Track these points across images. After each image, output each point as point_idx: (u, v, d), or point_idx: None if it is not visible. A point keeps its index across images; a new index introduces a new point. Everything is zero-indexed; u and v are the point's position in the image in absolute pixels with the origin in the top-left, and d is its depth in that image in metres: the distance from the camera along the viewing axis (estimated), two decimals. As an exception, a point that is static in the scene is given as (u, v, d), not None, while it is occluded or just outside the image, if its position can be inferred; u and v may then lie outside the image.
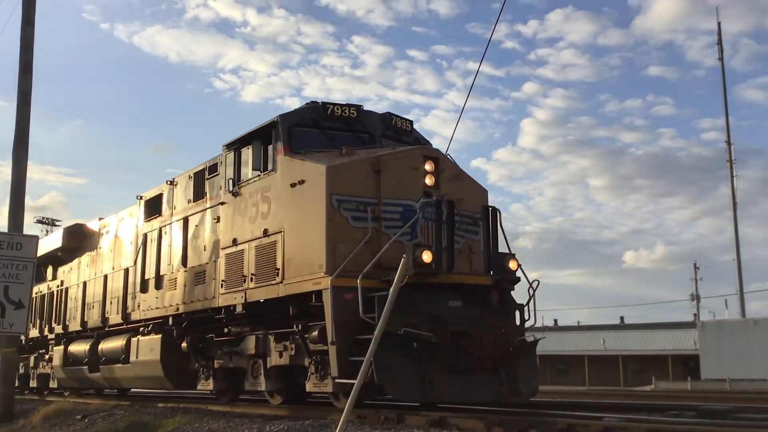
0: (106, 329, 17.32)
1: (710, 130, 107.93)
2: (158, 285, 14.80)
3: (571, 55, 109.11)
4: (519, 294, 10.92)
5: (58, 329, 20.19)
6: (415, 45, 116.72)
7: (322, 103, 11.85)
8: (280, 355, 11.30)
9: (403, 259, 9.01)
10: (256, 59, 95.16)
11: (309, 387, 10.57)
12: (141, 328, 15.48)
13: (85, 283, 18.85)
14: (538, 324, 11.12)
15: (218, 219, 13.24)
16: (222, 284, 12.45)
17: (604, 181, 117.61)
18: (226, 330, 12.97)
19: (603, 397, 18.35)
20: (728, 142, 50.89)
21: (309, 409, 11.00)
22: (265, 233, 11.43)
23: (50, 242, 22.49)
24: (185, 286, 13.74)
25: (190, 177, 14.77)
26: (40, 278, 23.18)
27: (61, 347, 19.47)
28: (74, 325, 19.15)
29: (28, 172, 15.74)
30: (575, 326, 72.44)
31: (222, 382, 13.25)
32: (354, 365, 9.62)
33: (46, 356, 21.44)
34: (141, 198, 16.89)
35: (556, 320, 75.92)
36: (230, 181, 12.53)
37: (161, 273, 14.84)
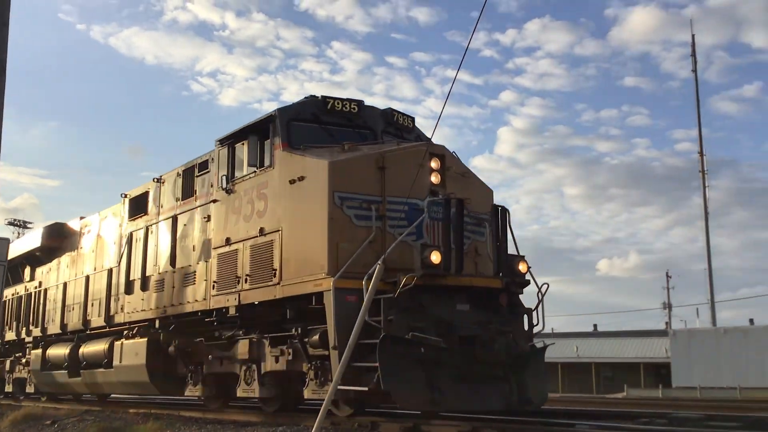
0: (88, 332, 16.66)
1: (684, 140, 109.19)
2: (144, 286, 14.19)
3: (548, 64, 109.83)
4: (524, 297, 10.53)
5: (36, 332, 19.44)
6: (394, 52, 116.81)
7: (322, 97, 11.36)
8: (276, 360, 10.76)
9: (377, 266, 8.83)
10: (234, 63, 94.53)
11: (307, 394, 10.05)
12: (125, 331, 14.84)
13: (65, 284, 18.15)
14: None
15: (209, 218, 12.71)
16: (213, 285, 11.90)
17: (580, 189, 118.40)
18: (216, 333, 12.40)
19: (576, 404, 18.12)
20: (701, 153, 51.62)
21: (294, 416, 10.61)
22: (262, 232, 10.90)
23: (28, 242, 21.76)
24: (173, 287, 13.16)
25: (178, 174, 14.21)
26: (17, 279, 22.47)
27: (39, 351, 18.71)
28: (53, 328, 18.43)
29: (0, 173, 15.07)
30: (549, 333, 72.28)
31: (212, 388, 12.69)
32: (357, 371, 9.16)
33: (23, 360, 20.66)
34: (125, 196, 16.28)
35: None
36: (223, 177, 11.98)
37: (147, 274, 14.24)
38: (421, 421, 9.60)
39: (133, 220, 15.66)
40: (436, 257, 9.16)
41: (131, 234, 15.16)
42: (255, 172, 11.30)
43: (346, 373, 9.14)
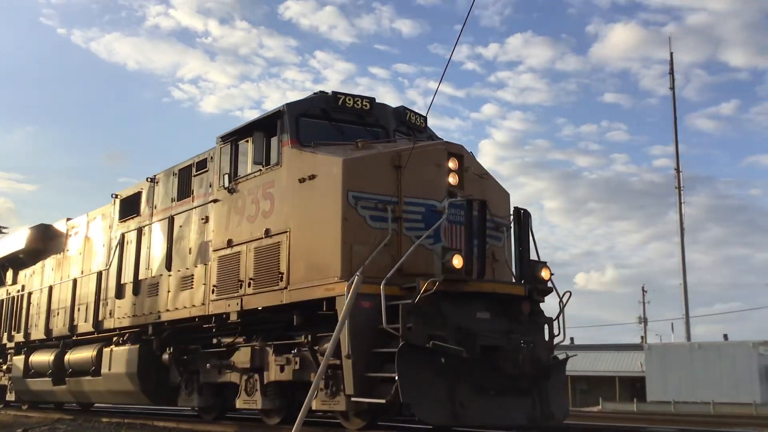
0: (74, 338, 15.92)
1: (661, 156, 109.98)
2: (136, 290, 13.51)
3: (530, 79, 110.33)
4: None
5: (19, 337, 18.63)
6: (377, 62, 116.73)
7: (333, 92, 10.80)
8: (281, 370, 10.14)
9: (356, 278, 8.32)
10: (217, 70, 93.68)
11: (316, 405, 9.43)
12: (115, 338, 14.15)
13: (50, 288, 17.38)
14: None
15: (207, 219, 12.11)
16: (213, 290, 11.27)
17: (559, 203, 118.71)
18: (214, 341, 11.77)
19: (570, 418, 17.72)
20: (677, 170, 51.99)
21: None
22: (267, 233, 10.31)
23: (11, 244, 20.95)
24: (169, 291, 12.50)
25: (174, 174, 13.59)
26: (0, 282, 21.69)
27: (22, 357, 17.93)
28: (37, 333, 17.64)
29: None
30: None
31: (208, 398, 12.04)
32: (371, 382, 8.59)
33: (4, 366, 19.83)
34: (116, 197, 15.62)
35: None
36: (225, 176, 11.37)
37: (140, 277, 13.56)
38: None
39: (124, 221, 15.00)
40: (458, 261, 8.61)
41: (123, 236, 14.49)
42: (260, 170, 10.72)
43: (361, 384, 8.62)
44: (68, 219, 18.33)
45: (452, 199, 9.40)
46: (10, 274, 21.19)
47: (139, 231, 13.90)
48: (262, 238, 10.40)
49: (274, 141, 10.66)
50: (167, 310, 12.41)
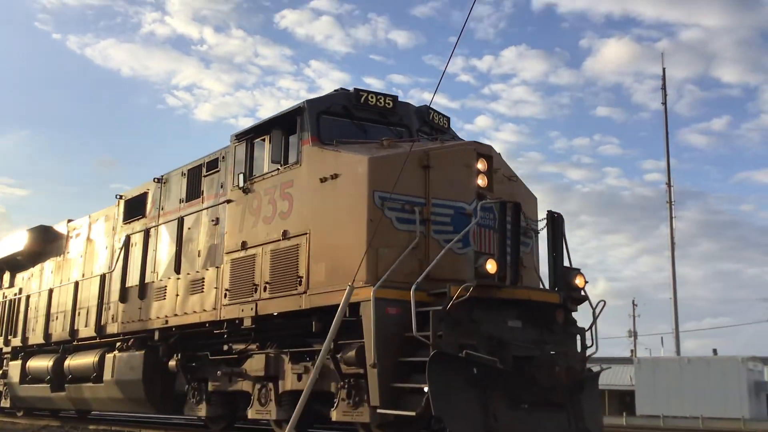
0: (74, 343, 15.37)
1: (653, 171, 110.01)
2: (142, 294, 13.00)
3: (523, 91, 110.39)
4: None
5: (16, 342, 18.04)
6: (372, 72, 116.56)
7: (355, 89, 10.37)
8: (299, 378, 9.65)
9: (348, 288, 8.18)
10: (211, 78, 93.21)
11: (336, 416, 8.95)
12: (118, 343, 13.62)
13: (50, 291, 16.82)
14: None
15: (217, 220, 11.67)
16: (225, 294, 10.79)
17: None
18: (225, 347, 11.28)
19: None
20: (668, 184, 52.11)
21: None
22: (285, 235, 9.84)
23: (9, 246, 20.35)
24: (177, 295, 12.00)
25: (183, 174, 13.13)
26: (-5, 285, 21.12)
27: (19, 362, 17.36)
28: (35, 338, 17.08)
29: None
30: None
31: (217, 407, 11.50)
32: (398, 393, 8.12)
33: (0, 372, 19.25)
34: (121, 198, 15.14)
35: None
36: (240, 176, 10.89)
37: (146, 280, 13.06)
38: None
39: (129, 223, 14.52)
40: (491, 266, 8.16)
41: (128, 238, 13.98)
42: (278, 169, 10.26)
43: (387, 395, 8.14)
44: (69, 220, 17.82)
45: (483, 201, 8.94)
46: (7, 276, 20.65)
47: (146, 233, 13.41)
48: (279, 240, 9.94)
49: (292, 139, 10.22)
50: (175, 315, 11.91)
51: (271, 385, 10.16)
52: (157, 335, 12.41)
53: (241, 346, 10.92)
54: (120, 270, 13.88)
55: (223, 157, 12.06)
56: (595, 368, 9.19)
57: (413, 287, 7.99)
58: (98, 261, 15.48)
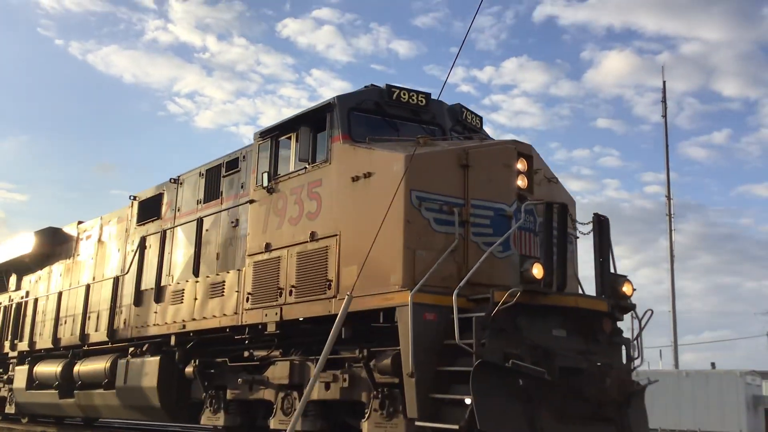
0: (85, 348, 14.89)
1: (653, 183, 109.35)
2: (158, 297, 12.53)
3: (524, 102, 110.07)
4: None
5: (23, 346, 17.54)
6: (373, 81, 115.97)
7: (387, 86, 9.92)
8: (327, 387, 9.17)
9: (346, 297, 7.93)
10: (213, 85, 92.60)
11: (368, 427, 8.45)
12: (131, 348, 13.14)
13: (59, 294, 16.34)
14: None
15: (236, 222, 11.25)
16: (248, 298, 10.32)
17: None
18: (246, 353, 10.80)
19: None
20: (668, 197, 51.85)
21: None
22: (313, 237, 9.39)
23: (16, 248, 19.88)
24: (195, 299, 11.53)
25: (201, 174, 12.71)
26: (1, 288, 20.64)
27: (26, 367, 16.85)
28: (43, 342, 16.59)
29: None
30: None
31: (236, 416, 11.00)
32: (437, 404, 7.64)
33: (4, 377, 18.72)
34: (135, 199, 14.71)
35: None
36: (264, 175, 10.44)
37: (162, 284, 12.59)
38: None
39: (143, 224, 14.09)
40: (537, 271, 7.68)
41: (143, 239, 13.52)
42: (305, 168, 9.81)
43: (425, 407, 7.66)
44: (79, 222, 17.38)
45: (526, 203, 8.48)
46: (13, 279, 20.16)
47: (162, 234, 12.94)
48: (306, 242, 9.48)
49: (321, 136, 9.77)
50: (193, 319, 11.44)
51: (296, 393, 9.68)
52: (173, 340, 11.93)
53: (262, 353, 10.45)
54: (134, 273, 13.43)
55: (244, 157, 11.65)
56: (642, 381, 8.68)
57: (455, 292, 7.52)
58: (110, 263, 15.03)
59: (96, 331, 14.51)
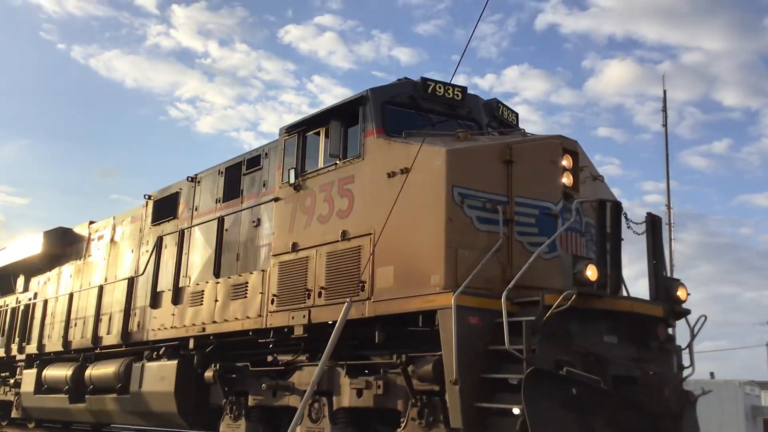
0: (97, 351, 14.42)
1: (653, 192, 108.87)
2: (176, 299, 12.05)
3: (525, 110, 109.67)
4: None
5: (31, 349, 17.05)
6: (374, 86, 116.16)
7: (422, 78, 9.47)
8: (359, 394, 8.70)
9: (346, 304, 7.98)
10: (214, 91, 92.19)
11: (406, 438, 7.99)
12: (146, 352, 12.67)
13: (70, 296, 15.84)
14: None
15: (258, 221, 10.83)
16: (272, 300, 9.86)
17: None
18: (270, 358, 10.33)
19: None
20: (668, 206, 51.51)
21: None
22: (345, 236, 8.93)
23: (24, 249, 19.45)
24: (216, 301, 11.05)
25: (220, 173, 12.28)
26: (8, 289, 20.18)
27: (34, 370, 16.35)
28: (52, 345, 16.10)
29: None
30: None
31: (258, 424, 10.53)
32: (482, 414, 7.16)
33: (11, 380, 18.22)
34: (149, 198, 14.26)
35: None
36: (291, 171, 9.99)
37: (180, 285, 12.12)
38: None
39: (158, 224, 13.64)
40: (592, 273, 7.22)
41: (160, 239, 13.06)
42: (336, 164, 9.36)
43: (470, 416, 7.19)
44: (91, 222, 16.93)
45: (579, 200, 8.02)
46: (21, 280, 19.70)
47: (181, 234, 12.47)
48: (337, 241, 9.03)
49: (352, 131, 9.33)
50: (214, 322, 10.97)
51: (324, 400, 9.21)
52: (191, 343, 11.46)
53: (287, 357, 9.99)
54: (150, 273, 12.96)
55: (266, 154, 11.22)
56: (696, 392, 8.21)
57: (505, 294, 7.06)
58: (123, 264, 14.57)
59: (109, 333, 14.04)
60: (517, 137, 8.84)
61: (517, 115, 10.36)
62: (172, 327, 11.95)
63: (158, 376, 11.87)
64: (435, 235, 7.80)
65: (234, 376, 10.83)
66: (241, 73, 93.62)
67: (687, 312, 8.11)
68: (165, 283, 12.53)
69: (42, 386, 15.96)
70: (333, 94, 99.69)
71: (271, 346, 10.09)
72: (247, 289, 10.46)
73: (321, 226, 9.38)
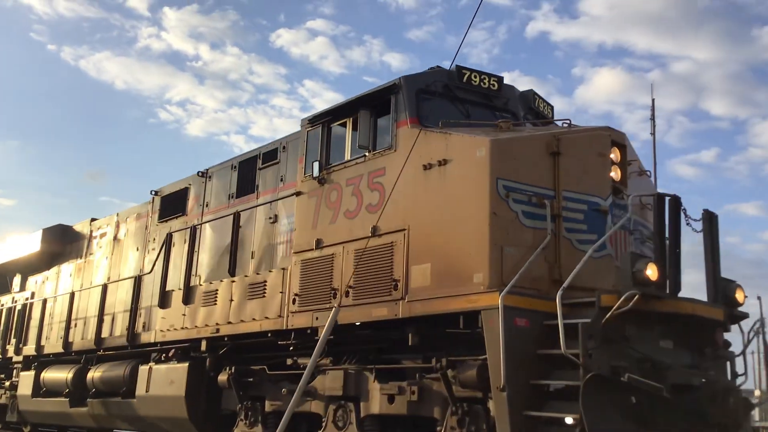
0: (100, 352, 13.81)
1: None
2: (187, 299, 11.46)
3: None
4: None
5: (29, 350, 16.41)
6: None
7: (457, 67, 8.96)
8: (390, 400, 8.14)
9: (333, 309, 7.86)
10: (205, 94, 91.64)
11: (445, 449, 7.44)
12: (154, 354, 12.07)
13: (71, 295, 15.22)
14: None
15: (275, 218, 10.30)
16: (294, 299, 9.31)
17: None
18: (289, 361, 9.77)
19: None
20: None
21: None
22: (375, 232, 8.38)
23: (21, 247, 18.82)
24: (231, 300, 10.49)
25: (233, 167, 11.76)
26: (4, 289, 19.54)
27: (32, 373, 15.71)
28: (52, 347, 15.46)
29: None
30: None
31: (274, 430, 9.94)
32: (532, 424, 6.63)
33: (7, 383, 17.55)
34: (156, 194, 13.71)
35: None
36: (314, 164, 9.45)
37: (191, 284, 11.55)
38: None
39: (166, 221, 13.10)
40: (652, 272, 6.69)
41: (169, 236, 12.48)
42: (365, 156, 8.83)
43: (519, 425, 6.65)
44: (93, 219, 16.36)
45: (635, 195, 7.51)
46: (17, 279, 19.09)
47: (192, 231, 11.90)
48: (366, 237, 8.47)
49: (383, 121, 8.81)
50: (229, 323, 10.40)
51: (351, 406, 8.65)
52: (204, 345, 10.88)
53: (308, 360, 9.41)
54: (158, 272, 12.37)
55: (284, 147, 10.70)
56: (754, 400, 7.70)
57: (559, 294, 6.54)
58: (128, 262, 13.99)
59: (113, 334, 13.45)
60: (561, 128, 8.32)
61: (552, 107, 9.88)
62: (182, 328, 11.36)
63: (167, 380, 11.28)
64: (478, 231, 7.27)
65: (251, 380, 10.24)
66: (232, 76, 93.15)
67: (745, 316, 7.61)
68: (175, 281, 11.96)
69: (41, 389, 15.34)
70: (324, 99, 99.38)
71: (291, 348, 9.52)
72: (265, 289, 9.91)
73: (348, 221, 8.84)
